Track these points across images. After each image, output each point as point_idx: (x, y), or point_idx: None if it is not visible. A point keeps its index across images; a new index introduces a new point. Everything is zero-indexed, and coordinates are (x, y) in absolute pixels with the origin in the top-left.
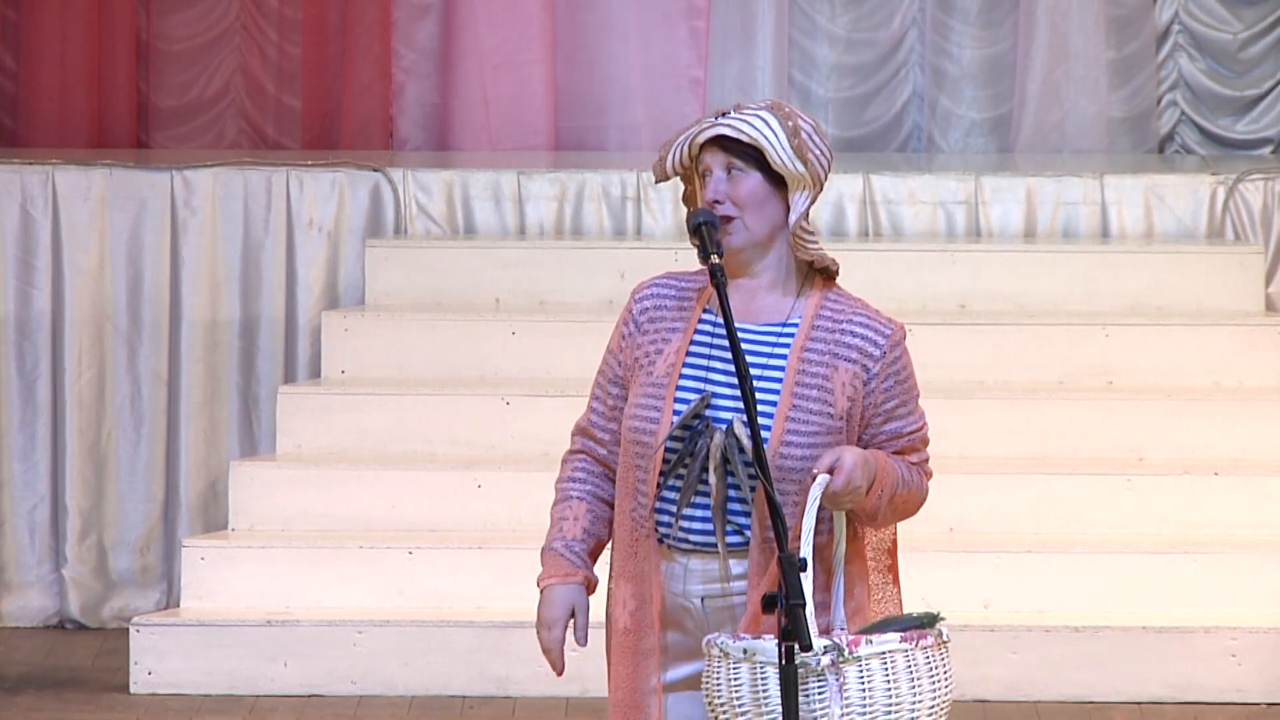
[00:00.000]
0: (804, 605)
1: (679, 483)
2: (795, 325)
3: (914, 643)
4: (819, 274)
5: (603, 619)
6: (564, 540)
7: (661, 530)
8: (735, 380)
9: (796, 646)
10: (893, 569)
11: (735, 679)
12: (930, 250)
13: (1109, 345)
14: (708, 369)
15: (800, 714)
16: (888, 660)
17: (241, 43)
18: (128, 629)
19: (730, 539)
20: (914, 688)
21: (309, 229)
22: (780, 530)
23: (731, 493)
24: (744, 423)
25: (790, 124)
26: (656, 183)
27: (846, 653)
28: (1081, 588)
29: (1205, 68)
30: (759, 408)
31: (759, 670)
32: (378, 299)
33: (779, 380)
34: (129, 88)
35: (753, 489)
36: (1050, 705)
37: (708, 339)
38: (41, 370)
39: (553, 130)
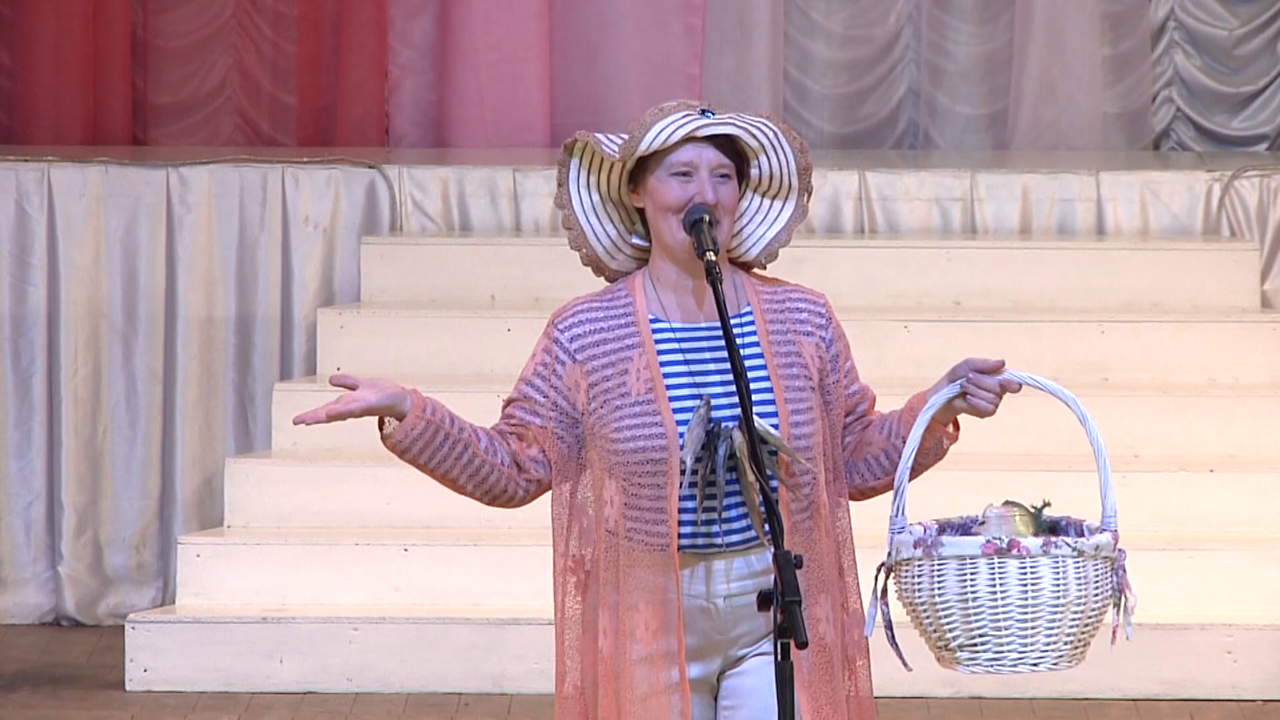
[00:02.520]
0: (799, 602)
1: (712, 490)
2: (749, 311)
3: None
4: (736, 264)
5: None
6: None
7: (694, 541)
8: (726, 379)
9: (792, 643)
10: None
11: (1081, 575)
12: (926, 247)
13: (1104, 342)
14: (691, 373)
15: (1110, 597)
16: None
17: (237, 39)
18: (123, 626)
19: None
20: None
21: (304, 226)
22: (776, 528)
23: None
24: (755, 415)
25: (797, 140)
26: (572, 157)
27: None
28: None
29: (1201, 64)
30: (757, 394)
31: (1101, 566)
32: (373, 296)
33: (762, 366)
34: (125, 84)
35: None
36: (1046, 702)
37: (674, 344)
38: (37, 367)
39: (549, 127)
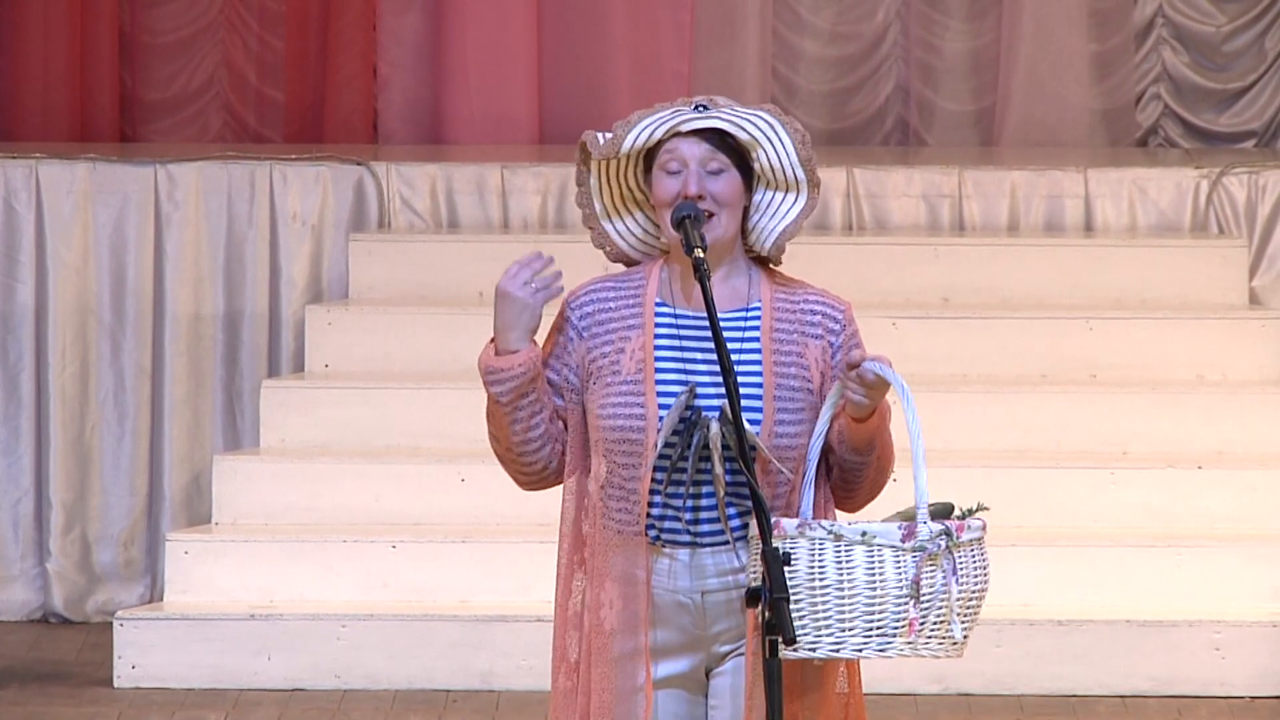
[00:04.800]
0: (788, 599)
1: (681, 476)
2: (758, 308)
3: (984, 531)
4: (758, 260)
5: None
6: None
7: (664, 527)
8: (715, 369)
9: (780, 640)
10: None
11: (849, 560)
12: (914, 243)
13: (1093, 338)
14: (683, 360)
15: (921, 597)
16: (976, 547)
17: (225, 35)
18: (111, 623)
19: (733, 525)
20: (987, 572)
21: (292, 223)
22: (764, 523)
23: (729, 478)
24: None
25: (798, 131)
26: (590, 159)
27: (955, 538)
28: (1065, 581)
29: (1188, 61)
30: (745, 390)
31: (875, 552)
32: (361, 293)
33: (758, 362)
34: (112, 81)
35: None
36: (1034, 699)
37: (672, 330)
38: (25, 364)
39: (537, 124)
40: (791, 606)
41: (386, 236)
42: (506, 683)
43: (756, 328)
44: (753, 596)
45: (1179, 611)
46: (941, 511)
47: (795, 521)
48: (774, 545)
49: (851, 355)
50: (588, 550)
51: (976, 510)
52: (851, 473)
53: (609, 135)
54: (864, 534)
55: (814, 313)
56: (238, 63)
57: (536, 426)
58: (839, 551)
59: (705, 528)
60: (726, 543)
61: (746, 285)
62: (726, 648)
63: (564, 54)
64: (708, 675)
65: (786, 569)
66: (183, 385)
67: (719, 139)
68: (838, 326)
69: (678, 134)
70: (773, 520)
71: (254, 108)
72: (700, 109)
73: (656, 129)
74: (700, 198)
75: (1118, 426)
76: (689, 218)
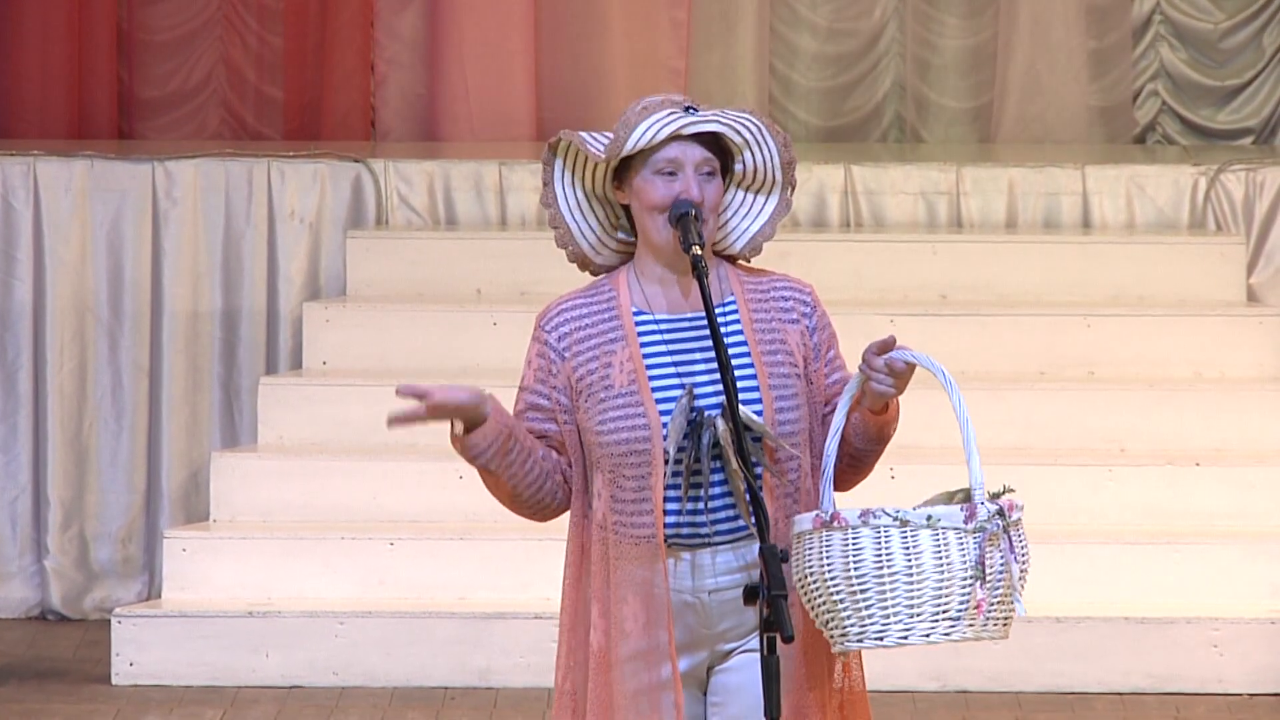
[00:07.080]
0: (786, 596)
1: (698, 479)
2: (733, 301)
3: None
4: (720, 255)
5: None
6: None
7: (679, 532)
8: (711, 368)
9: (778, 637)
10: None
11: (916, 545)
12: (912, 241)
13: (1090, 336)
14: (674, 364)
15: (985, 574)
16: (1021, 526)
17: (223, 33)
18: (109, 620)
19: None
20: (1029, 551)
21: (290, 220)
22: (762, 521)
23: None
24: (739, 402)
25: (780, 134)
26: (557, 158)
27: (1008, 517)
28: (1063, 578)
29: (1186, 57)
30: (741, 383)
31: (940, 536)
32: (359, 290)
33: (746, 354)
34: (110, 78)
35: (762, 466)
36: (1032, 696)
37: (657, 336)
38: (23, 361)
39: (535, 121)
40: (859, 596)
41: (384, 234)
42: (504, 680)
43: (736, 320)
44: (750, 593)
45: (1177, 608)
46: (964, 497)
47: (857, 510)
48: (771, 543)
49: (876, 344)
50: (594, 566)
51: (1003, 493)
52: (862, 459)
53: (597, 135)
54: (929, 518)
55: (785, 299)
56: (236, 60)
57: (531, 470)
58: (905, 538)
59: (722, 527)
60: (735, 540)
61: (717, 281)
62: (731, 645)
63: (561, 51)
64: (708, 673)
65: (853, 559)
66: (180, 382)
67: (711, 141)
68: (809, 309)
69: (677, 137)
70: (833, 512)
71: (252, 105)
72: (689, 110)
73: (660, 131)
74: (701, 202)
75: (1115, 424)
76: (687, 215)
